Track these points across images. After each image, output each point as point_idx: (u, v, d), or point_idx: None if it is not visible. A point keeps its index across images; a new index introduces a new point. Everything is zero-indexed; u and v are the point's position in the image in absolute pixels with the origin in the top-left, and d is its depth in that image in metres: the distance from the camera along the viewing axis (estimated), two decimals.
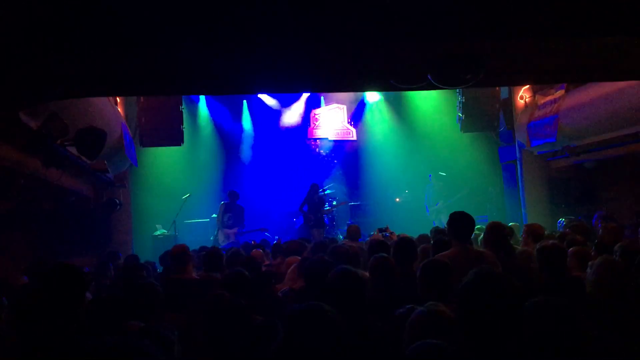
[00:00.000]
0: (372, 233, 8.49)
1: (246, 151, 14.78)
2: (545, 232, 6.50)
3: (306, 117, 15.01)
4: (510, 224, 7.66)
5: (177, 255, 5.12)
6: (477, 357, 2.15)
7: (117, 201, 10.38)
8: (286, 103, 14.84)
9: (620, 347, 3.05)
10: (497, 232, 4.81)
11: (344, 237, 9.47)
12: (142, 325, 3.19)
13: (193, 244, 9.12)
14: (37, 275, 5.28)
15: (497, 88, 11.51)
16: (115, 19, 3.79)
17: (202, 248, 7.07)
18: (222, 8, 3.55)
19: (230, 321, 3.10)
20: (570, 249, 4.69)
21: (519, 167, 12.16)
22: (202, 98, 14.12)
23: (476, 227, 5.71)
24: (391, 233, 8.02)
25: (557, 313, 2.46)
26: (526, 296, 2.62)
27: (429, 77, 5.09)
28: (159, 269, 6.91)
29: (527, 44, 4.77)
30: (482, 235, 5.54)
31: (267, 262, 6.35)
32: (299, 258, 5.89)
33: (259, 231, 11.72)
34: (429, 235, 6.76)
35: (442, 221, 11.89)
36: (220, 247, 9.41)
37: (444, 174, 13.50)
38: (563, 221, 8.00)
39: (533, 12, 3.97)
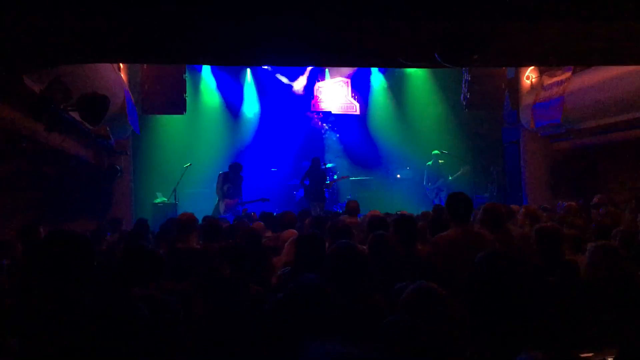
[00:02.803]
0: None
1: (248, 122, 14.73)
2: (544, 215, 6.53)
3: (310, 90, 14.91)
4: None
5: (183, 224, 5.04)
6: (487, 336, 2.17)
7: (118, 167, 10.39)
8: (291, 75, 14.74)
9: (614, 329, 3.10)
10: (493, 214, 4.82)
11: (343, 212, 9.50)
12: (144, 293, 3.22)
13: (194, 213, 9.16)
14: (29, 240, 5.28)
15: (504, 68, 11.43)
16: None
17: (205, 218, 7.05)
18: None
19: (229, 291, 3.14)
20: (566, 232, 4.71)
21: (521, 147, 12.13)
22: (206, 67, 14.03)
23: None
24: None
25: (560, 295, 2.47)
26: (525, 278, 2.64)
27: (435, 55, 5.06)
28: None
29: (534, 26, 4.73)
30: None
31: (267, 234, 6.37)
32: (295, 232, 5.89)
33: (260, 201, 11.75)
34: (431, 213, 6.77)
35: (443, 199, 11.92)
36: (220, 216, 9.46)
37: (446, 151, 13.47)
38: (564, 204, 8.02)
39: None
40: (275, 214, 7.87)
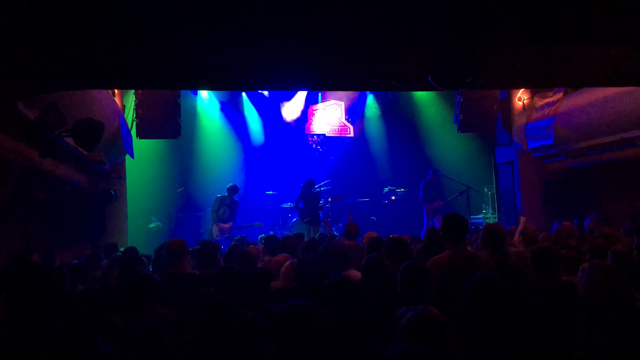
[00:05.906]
0: None
1: (243, 145, 14.75)
2: (540, 236, 6.52)
3: (304, 113, 15.00)
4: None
5: (173, 250, 5.06)
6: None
7: (113, 192, 10.36)
8: (285, 98, 14.82)
9: (610, 350, 3.08)
10: (494, 235, 4.80)
11: (340, 235, 9.43)
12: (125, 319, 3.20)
13: (188, 237, 9.12)
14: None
15: (496, 89, 11.53)
16: (120, 12, 3.79)
17: (202, 242, 7.04)
18: (227, 7, 3.55)
19: (219, 317, 3.11)
20: (561, 252, 4.69)
21: (515, 168, 12.18)
22: (200, 91, 14.06)
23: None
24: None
25: (554, 316, 2.45)
26: (521, 299, 2.63)
27: (429, 78, 5.11)
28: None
29: (527, 49, 4.79)
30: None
31: (264, 258, 6.33)
32: (288, 256, 5.83)
33: (254, 226, 11.70)
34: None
35: (437, 221, 11.85)
36: (214, 240, 9.42)
37: (439, 173, 13.44)
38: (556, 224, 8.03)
39: (532, 18, 3.98)
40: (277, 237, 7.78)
